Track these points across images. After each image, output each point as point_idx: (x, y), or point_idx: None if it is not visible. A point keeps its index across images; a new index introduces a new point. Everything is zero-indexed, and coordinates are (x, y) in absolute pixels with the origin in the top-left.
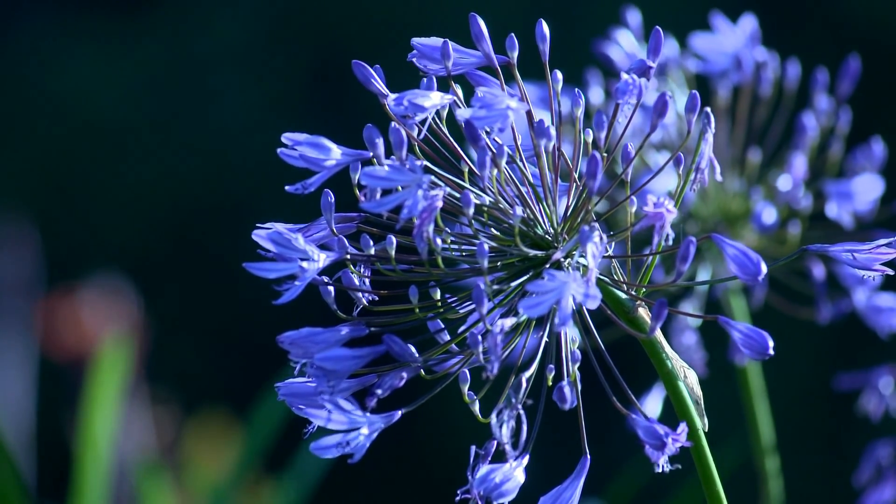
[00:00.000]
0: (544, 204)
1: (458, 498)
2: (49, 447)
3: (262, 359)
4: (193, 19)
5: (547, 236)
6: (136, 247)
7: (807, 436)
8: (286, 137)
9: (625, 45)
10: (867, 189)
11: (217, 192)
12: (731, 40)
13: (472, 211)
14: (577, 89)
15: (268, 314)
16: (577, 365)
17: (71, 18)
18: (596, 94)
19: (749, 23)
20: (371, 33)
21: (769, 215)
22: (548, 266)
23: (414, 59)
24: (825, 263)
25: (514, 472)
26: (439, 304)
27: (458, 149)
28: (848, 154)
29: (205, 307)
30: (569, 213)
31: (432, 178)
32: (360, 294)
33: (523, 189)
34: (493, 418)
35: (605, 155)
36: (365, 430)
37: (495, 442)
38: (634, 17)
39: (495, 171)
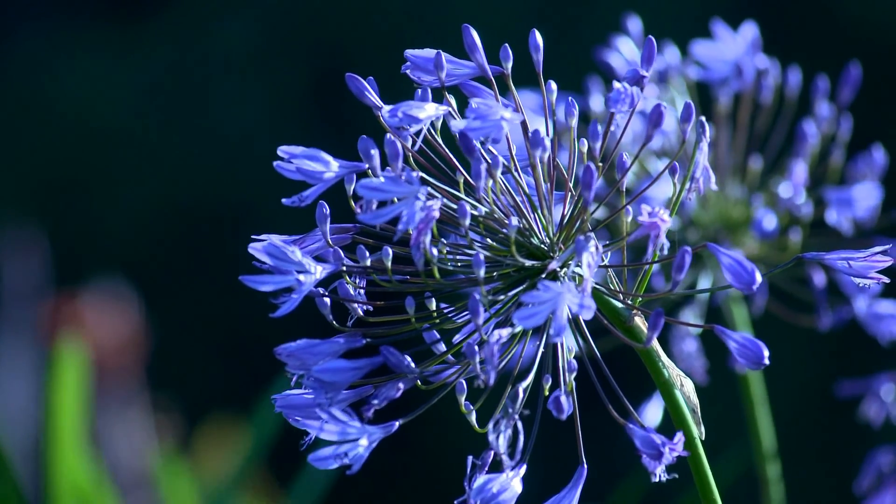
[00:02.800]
0: (540, 214)
1: None
2: None
3: (265, 364)
4: (196, 27)
5: (543, 246)
6: (139, 252)
7: (807, 442)
8: (282, 150)
9: (625, 52)
10: (866, 196)
11: (220, 197)
12: (732, 48)
13: (468, 222)
14: (570, 98)
15: (270, 320)
16: (574, 375)
17: (75, 26)
18: (597, 102)
19: (750, 30)
20: (372, 42)
21: (770, 222)
22: (544, 276)
23: (408, 71)
24: (825, 271)
25: (512, 482)
26: (435, 314)
27: (454, 159)
28: (849, 161)
29: (208, 313)
30: (564, 223)
31: (429, 189)
32: (355, 305)
33: (519, 199)
34: (490, 428)
35: (600, 165)
36: (364, 442)
37: (492, 452)
38: (635, 24)
39: (490, 182)
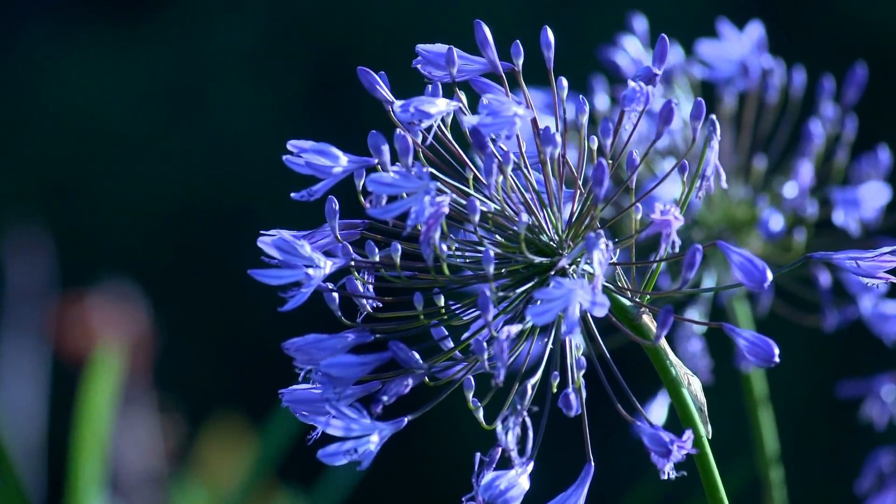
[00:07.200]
0: (549, 211)
1: None
2: (61, 455)
3: (272, 364)
4: (197, 25)
5: (552, 243)
6: (143, 253)
7: (809, 443)
8: (292, 144)
9: (631, 51)
10: (873, 196)
11: (224, 197)
12: (738, 47)
13: (478, 218)
14: (581, 96)
15: (276, 319)
16: (583, 372)
17: (75, 25)
18: (601, 101)
19: (755, 30)
20: (375, 41)
21: (776, 222)
22: (553, 273)
23: (419, 66)
24: (831, 271)
25: (519, 479)
26: (444, 310)
27: (463, 155)
28: (854, 161)
29: (213, 313)
30: (574, 220)
31: (438, 184)
32: (364, 301)
33: (528, 196)
34: (499, 425)
35: (610, 162)
36: (375, 438)
37: (500, 448)
38: (641, 23)
39: (501, 178)
